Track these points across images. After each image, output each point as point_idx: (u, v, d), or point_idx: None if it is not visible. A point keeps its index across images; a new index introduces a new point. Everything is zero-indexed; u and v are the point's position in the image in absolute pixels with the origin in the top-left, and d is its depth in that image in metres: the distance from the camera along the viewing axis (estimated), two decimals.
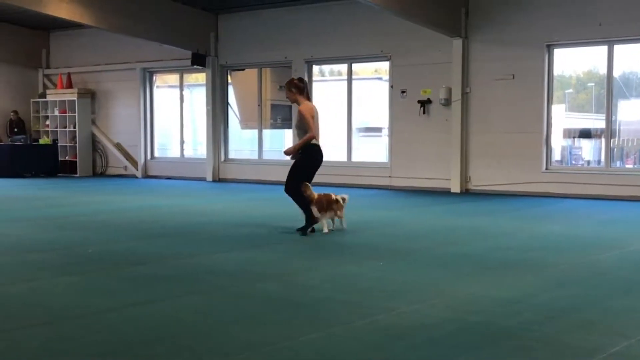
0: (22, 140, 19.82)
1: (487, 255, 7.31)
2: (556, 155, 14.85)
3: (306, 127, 8.80)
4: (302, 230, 8.76)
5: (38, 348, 4.19)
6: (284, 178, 15.85)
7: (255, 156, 18.38)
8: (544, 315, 4.88)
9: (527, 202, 12.93)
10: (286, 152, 9.17)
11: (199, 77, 19.31)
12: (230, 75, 18.74)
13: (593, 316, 4.93)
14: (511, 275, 6.31)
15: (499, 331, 4.50)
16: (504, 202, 13.06)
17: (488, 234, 8.99)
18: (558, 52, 14.16)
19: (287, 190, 8.99)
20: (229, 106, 18.73)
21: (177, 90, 19.76)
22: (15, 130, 20.42)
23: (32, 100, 21.11)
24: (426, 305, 5.14)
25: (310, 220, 8.79)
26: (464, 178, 14.86)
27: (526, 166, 14.23)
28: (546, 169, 14.22)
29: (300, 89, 9.03)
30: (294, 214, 10.57)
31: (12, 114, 20.54)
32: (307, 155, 8.91)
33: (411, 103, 15.46)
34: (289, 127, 17.53)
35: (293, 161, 9.13)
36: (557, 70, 14.37)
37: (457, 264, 6.81)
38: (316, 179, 16.41)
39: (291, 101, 9.25)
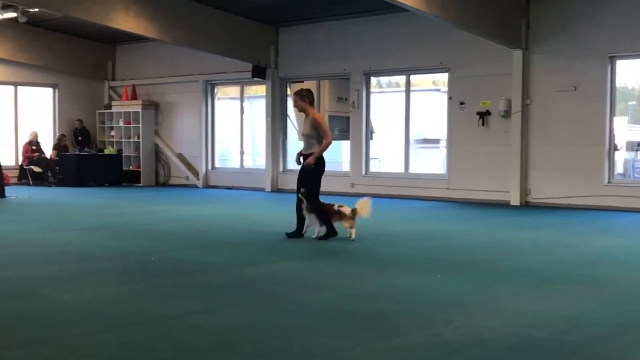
0: (86, 150, 20.40)
1: (548, 269, 7.23)
2: (618, 168, 14.56)
3: (323, 135, 9.09)
4: (326, 237, 9.14)
5: (101, 354, 4.31)
6: (340, 188, 15.91)
7: None
8: (605, 331, 4.83)
9: (589, 216, 12.71)
10: (308, 164, 9.11)
11: (259, 89, 19.56)
12: (290, 87, 18.94)
13: None
14: (572, 289, 6.24)
15: (559, 347, 4.47)
16: (564, 215, 12.86)
17: (548, 248, 8.88)
18: (621, 64, 13.89)
19: (312, 201, 9.17)
20: (287, 117, 18.92)
21: (238, 102, 20.06)
22: (80, 138, 20.99)
23: (97, 111, 21.70)
24: (485, 319, 5.13)
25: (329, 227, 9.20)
26: (524, 190, 14.68)
27: (588, 179, 13.99)
28: (608, 182, 13.94)
29: (311, 99, 9.30)
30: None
31: (77, 122, 21.15)
32: (321, 163, 9.22)
33: (470, 115, 15.37)
34: (347, 139, 17.61)
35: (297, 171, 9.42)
36: (619, 82, 14.10)
37: (517, 278, 6.75)
38: (373, 189, 16.47)
39: (300, 109, 9.36)
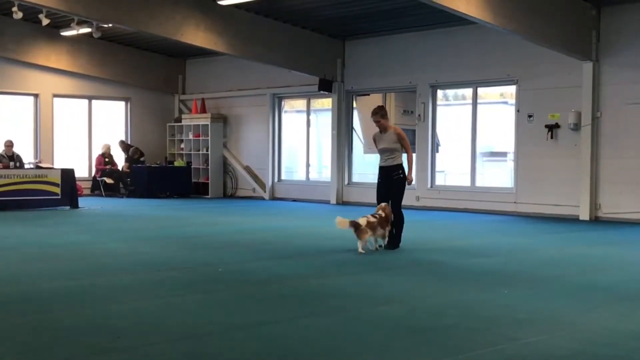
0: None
1: (619, 286, 7.08)
2: None
3: (407, 148, 9.71)
4: (395, 245, 9.57)
5: None
6: (406, 202, 15.80)
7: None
8: None
9: None
10: (410, 180, 9.74)
11: (325, 102, 19.71)
12: (356, 100, 19.02)
13: None
14: None
15: None
16: (635, 231, 12.53)
17: (620, 264, 8.70)
18: None
19: (398, 210, 9.62)
20: (353, 130, 18.99)
21: (304, 115, 20.24)
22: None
23: (168, 124, 22.22)
24: (554, 336, 5.07)
25: (400, 235, 9.68)
26: (594, 205, 14.36)
27: None
28: None
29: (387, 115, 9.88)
30: (416, 238, 10.61)
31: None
32: (404, 176, 9.70)
33: (538, 127, 15.14)
34: (412, 151, 17.51)
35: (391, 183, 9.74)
36: None
37: (587, 294, 6.64)
38: (439, 203, 16.32)
39: (382, 126, 9.76)
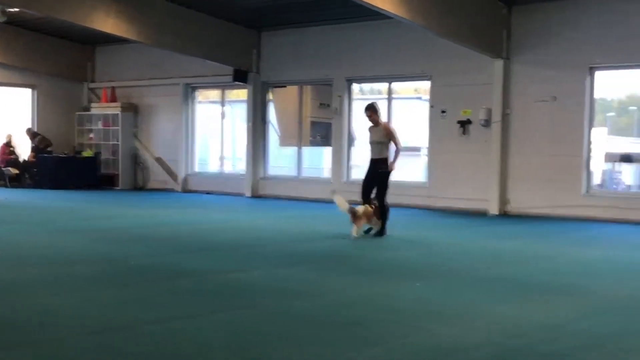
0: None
1: (527, 279, 7.26)
2: (596, 179, 14.65)
3: (397, 142, 10.49)
4: (381, 233, 10.33)
5: (82, 357, 4.28)
6: (322, 195, 15.94)
7: (294, 173, 18.47)
8: (583, 342, 4.84)
9: (567, 226, 12.79)
10: (392, 168, 10.46)
11: (240, 94, 19.52)
12: (271, 92, 18.91)
13: (634, 344, 4.88)
14: (551, 300, 6.26)
15: (537, 356, 4.48)
16: (543, 225, 12.94)
17: (527, 258, 8.93)
18: (600, 75, 14.01)
19: (382, 201, 10.35)
20: (269, 123, 18.88)
21: (219, 106, 19.99)
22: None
23: (76, 113, 21.53)
24: (463, 328, 5.13)
25: (384, 225, 10.39)
26: (503, 200, 14.75)
27: (566, 189, 14.07)
28: (586, 192, 14.04)
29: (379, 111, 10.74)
30: (332, 231, 10.63)
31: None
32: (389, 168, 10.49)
33: (451, 123, 15.43)
34: (329, 145, 17.60)
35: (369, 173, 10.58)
36: (598, 93, 14.20)
37: (496, 287, 6.77)
38: (354, 196, 16.40)
39: (373, 121, 10.64)
